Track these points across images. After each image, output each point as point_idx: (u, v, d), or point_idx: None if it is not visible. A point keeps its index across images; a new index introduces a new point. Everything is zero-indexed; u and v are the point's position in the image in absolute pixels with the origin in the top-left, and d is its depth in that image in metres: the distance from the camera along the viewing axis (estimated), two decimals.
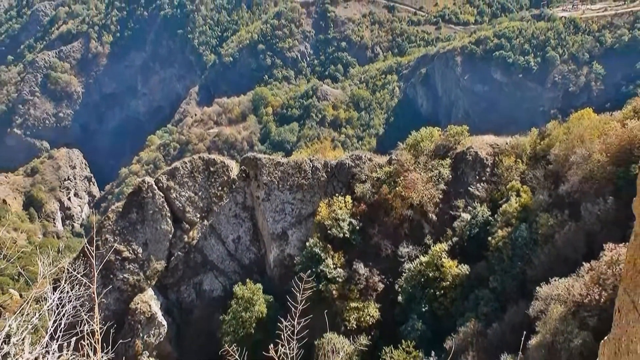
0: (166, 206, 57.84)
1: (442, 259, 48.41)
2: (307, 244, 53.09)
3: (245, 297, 52.60)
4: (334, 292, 50.79)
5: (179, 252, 58.29)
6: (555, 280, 36.08)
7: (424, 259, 49.57)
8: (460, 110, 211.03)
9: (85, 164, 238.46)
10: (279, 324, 10.31)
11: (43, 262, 10.43)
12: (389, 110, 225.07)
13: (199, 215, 58.93)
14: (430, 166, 54.59)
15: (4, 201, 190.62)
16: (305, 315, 9.95)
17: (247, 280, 54.64)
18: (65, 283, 10.13)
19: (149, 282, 56.67)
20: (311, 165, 58.03)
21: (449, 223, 52.14)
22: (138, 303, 54.96)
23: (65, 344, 9.33)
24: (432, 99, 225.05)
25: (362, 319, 50.02)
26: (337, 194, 55.19)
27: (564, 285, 34.99)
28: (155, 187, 58.14)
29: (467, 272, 47.49)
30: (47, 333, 9.28)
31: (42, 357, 8.83)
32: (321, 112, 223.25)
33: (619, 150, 41.82)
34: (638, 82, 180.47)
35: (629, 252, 4.74)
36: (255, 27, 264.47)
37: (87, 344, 8.88)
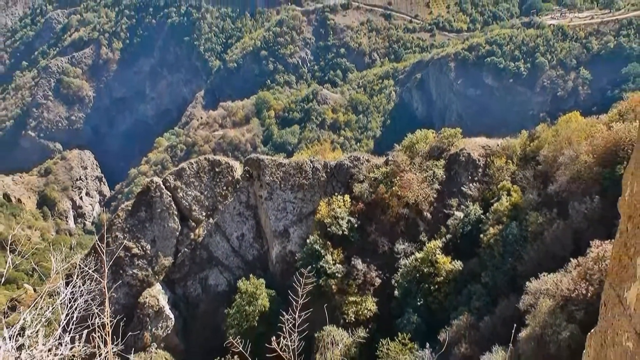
0: (173, 205, 57.84)
1: (437, 256, 48.41)
2: (308, 241, 53.09)
3: (248, 292, 52.62)
4: (333, 286, 50.78)
5: (185, 249, 58.29)
6: (544, 275, 36.08)
7: (419, 255, 49.58)
8: (454, 114, 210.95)
9: (97, 165, 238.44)
10: (280, 317, 10.30)
11: (56, 258, 10.43)
12: (386, 114, 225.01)
13: (204, 214, 58.93)
14: (425, 167, 54.60)
15: (19, 200, 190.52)
16: (306, 309, 9.95)
17: (251, 275, 54.65)
18: (77, 278, 10.13)
19: (157, 277, 56.68)
20: (311, 166, 58.03)
21: (443, 221, 52.15)
22: (146, 297, 54.98)
23: (77, 336, 9.33)
24: (427, 102, 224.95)
25: (360, 313, 50.02)
26: (336, 194, 55.18)
27: (552, 280, 34.99)
28: (163, 187, 58.14)
29: (460, 268, 47.51)
30: (59, 326, 9.28)
31: (55, 349, 8.83)
32: (321, 115, 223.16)
33: (605, 152, 41.83)
34: (623, 86, 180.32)
35: (614, 248, 4.74)
36: (258, 35, 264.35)
37: (98, 336, 8.88)
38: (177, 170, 60.73)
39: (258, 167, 58.87)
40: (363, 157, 58.73)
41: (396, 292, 49.89)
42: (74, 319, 9.53)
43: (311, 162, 58.57)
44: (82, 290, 10.03)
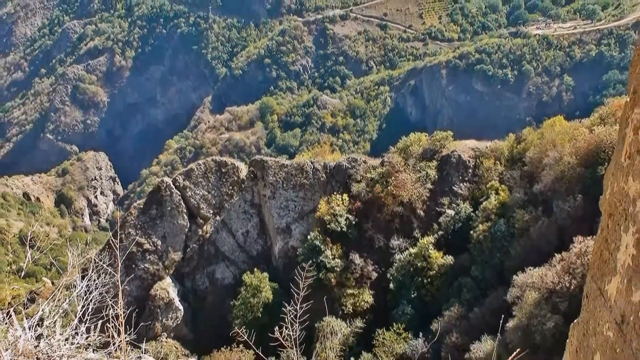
0: (182, 203, 57.83)
1: (429, 251, 48.42)
2: (309, 237, 53.08)
3: (253, 285, 52.60)
4: (332, 280, 50.78)
5: (194, 245, 58.28)
6: (530, 269, 36.10)
7: (412, 250, 49.58)
8: (445, 118, 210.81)
9: (110, 166, 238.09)
10: (283, 309, 10.29)
11: (72, 253, 10.42)
12: (382, 118, 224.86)
13: (211, 212, 58.91)
14: (418, 167, 54.61)
15: (38, 199, 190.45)
16: (306, 301, 9.93)
17: (255, 269, 54.63)
18: (92, 272, 10.12)
19: (167, 271, 56.67)
20: (312, 167, 58.01)
21: (435, 218, 52.16)
22: (157, 290, 54.97)
23: (92, 326, 9.33)
24: (420, 107, 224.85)
25: (358, 304, 50.02)
26: (335, 193, 55.17)
27: (538, 274, 35.00)
28: (173, 186, 58.13)
29: (452, 263, 47.52)
30: (76, 317, 9.27)
31: (72, 338, 8.83)
32: (321, 119, 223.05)
33: (587, 154, 41.84)
34: (604, 92, 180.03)
35: (595, 244, 4.75)
36: (262, 44, 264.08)
37: (112, 326, 8.88)
38: (186, 170, 60.72)
39: (262, 168, 58.85)
40: (360, 159, 58.73)
41: (391, 285, 49.89)
42: (89, 310, 9.52)
43: (312, 163, 58.55)
44: (97, 284, 10.02)
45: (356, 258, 51.66)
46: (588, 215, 36.56)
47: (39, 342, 8.41)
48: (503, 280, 40.50)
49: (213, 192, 58.89)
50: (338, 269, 51.32)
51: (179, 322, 54.99)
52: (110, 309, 9.34)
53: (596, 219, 33.46)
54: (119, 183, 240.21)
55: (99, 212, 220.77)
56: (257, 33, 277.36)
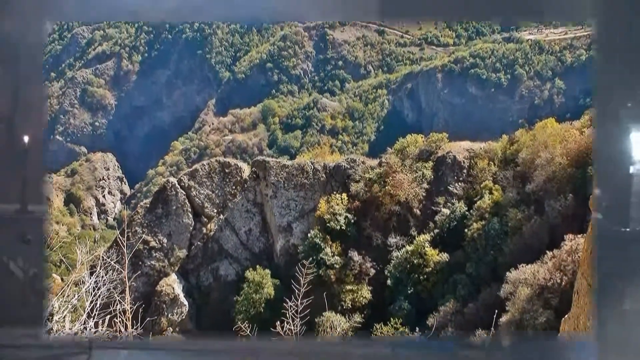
0: (187, 202, 57.79)
1: (425, 248, 48.39)
2: (309, 235, 53.05)
3: (255, 281, 52.55)
4: (332, 276, 50.74)
5: (198, 242, 58.24)
6: (522, 266, 36.08)
7: (409, 248, 49.55)
8: (441, 120, 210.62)
9: (118, 166, 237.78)
10: (284, 304, 10.28)
11: (81, 251, 10.42)
12: (379, 120, 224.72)
13: (215, 210, 58.87)
14: (414, 168, 54.60)
15: (48, 198, 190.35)
16: (307, 297, 9.93)
17: (257, 266, 54.56)
18: (100, 269, 10.12)
19: (172, 268, 56.63)
20: (312, 167, 57.98)
21: (431, 217, 52.13)
22: (163, 286, 54.93)
23: (101, 321, 9.33)
24: (417, 110, 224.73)
25: (357, 300, 49.99)
26: (334, 192, 55.13)
27: (530, 270, 35.00)
28: (178, 186, 58.09)
29: (447, 260, 47.48)
30: (84, 312, 9.27)
31: (81, 333, 8.82)
32: (321, 121, 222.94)
33: (578, 155, 41.85)
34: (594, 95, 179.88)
35: (585, 242, 4.77)
36: (264, 48, 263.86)
37: (119, 321, 8.88)
38: (191, 171, 60.68)
39: (264, 169, 58.81)
40: (359, 159, 58.70)
41: (389, 282, 49.85)
42: (98, 305, 9.52)
43: (312, 163, 58.51)
44: (104, 280, 10.01)
45: (355, 255, 51.60)
46: (578, 214, 36.57)
47: (49, 337, 8.40)
48: (496, 277, 40.46)
49: (217, 191, 58.84)
50: (337, 266, 51.27)
51: (184, 317, 54.95)
52: (117, 304, 9.34)
53: (586, 218, 33.48)
54: (126, 183, 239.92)
55: (107, 211, 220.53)
56: (259, 38, 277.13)
